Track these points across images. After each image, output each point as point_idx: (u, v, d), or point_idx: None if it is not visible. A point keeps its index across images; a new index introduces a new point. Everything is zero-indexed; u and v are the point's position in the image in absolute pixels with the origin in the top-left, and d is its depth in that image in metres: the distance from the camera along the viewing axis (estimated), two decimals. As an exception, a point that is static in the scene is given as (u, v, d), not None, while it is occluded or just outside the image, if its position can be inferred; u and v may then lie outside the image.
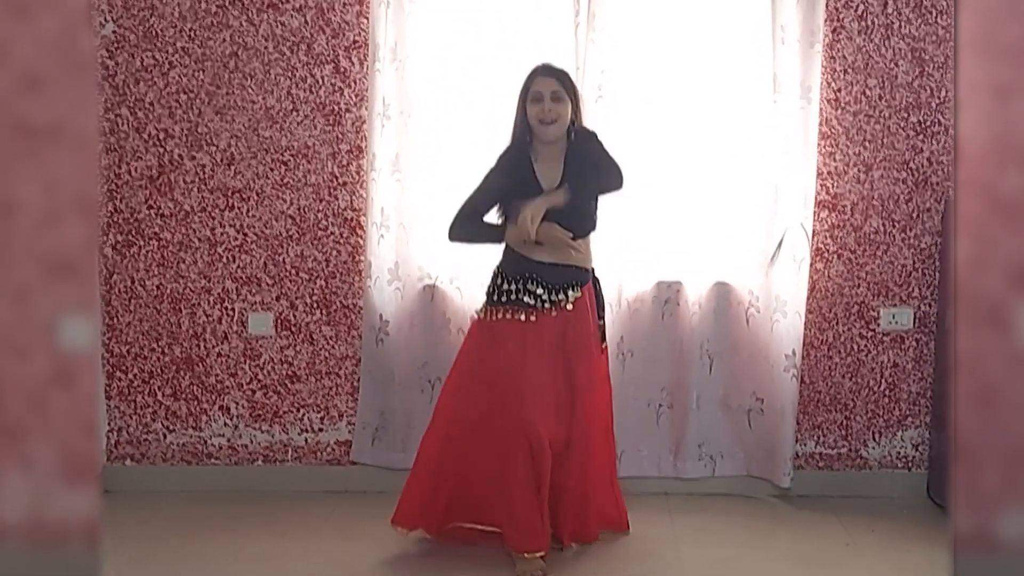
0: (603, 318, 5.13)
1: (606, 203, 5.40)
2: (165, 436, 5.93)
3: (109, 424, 5.91)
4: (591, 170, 4.96)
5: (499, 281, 4.94)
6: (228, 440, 5.93)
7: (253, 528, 5.38)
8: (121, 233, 5.80)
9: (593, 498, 5.11)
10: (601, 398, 5.11)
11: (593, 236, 5.23)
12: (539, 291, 4.85)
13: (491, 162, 5.00)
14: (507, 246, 4.96)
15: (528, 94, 4.90)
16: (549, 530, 4.88)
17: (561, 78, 4.92)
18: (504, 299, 4.89)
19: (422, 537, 5.12)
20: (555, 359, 4.88)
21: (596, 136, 5.05)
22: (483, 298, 5.01)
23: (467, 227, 5.00)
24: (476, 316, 5.03)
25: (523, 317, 4.84)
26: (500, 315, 4.89)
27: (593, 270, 5.06)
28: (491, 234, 4.98)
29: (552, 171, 4.93)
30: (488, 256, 5.07)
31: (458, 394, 4.97)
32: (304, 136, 5.75)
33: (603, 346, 5.15)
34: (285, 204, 5.78)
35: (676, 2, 5.67)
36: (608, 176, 5.03)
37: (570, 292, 4.90)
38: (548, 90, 4.87)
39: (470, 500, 4.96)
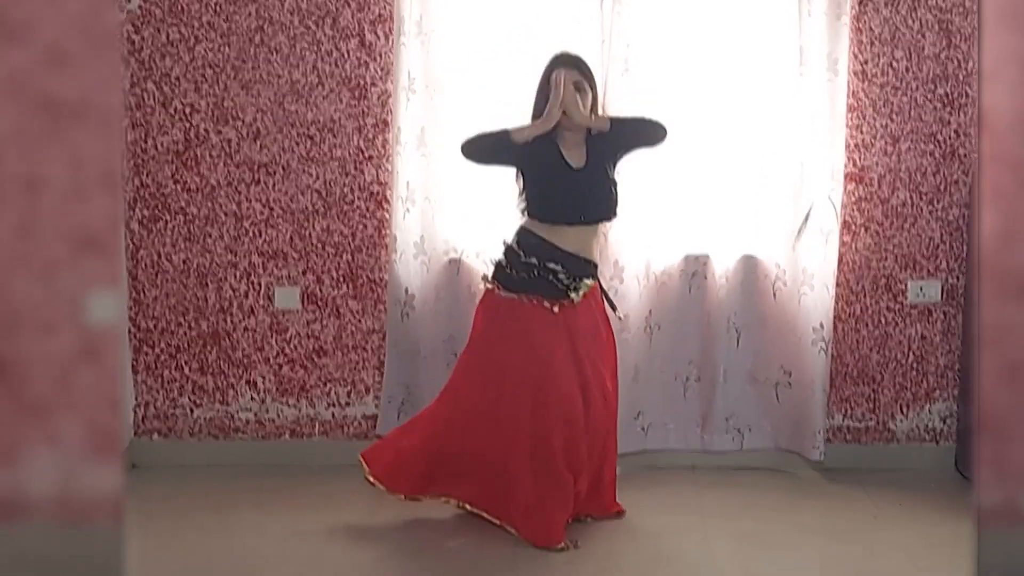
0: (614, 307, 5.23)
1: (636, 176, 5.39)
2: (192, 411, 5.95)
3: (136, 399, 5.94)
4: (620, 124, 5.04)
5: (520, 256, 4.91)
6: (255, 414, 5.95)
7: (280, 502, 5.40)
8: (147, 208, 5.81)
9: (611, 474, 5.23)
10: (612, 372, 5.16)
11: (619, 211, 5.23)
12: (560, 276, 4.86)
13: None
14: (527, 231, 4.96)
15: (551, 84, 4.91)
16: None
17: (582, 68, 4.95)
18: (525, 275, 4.88)
19: (445, 504, 5.10)
20: (571, 346, 4.90)
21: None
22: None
23: (482, 145, 5.00)
24: (487, 287, 5.01)
25: (547, 304, 4.86)
26: (520, 297, 4.90)
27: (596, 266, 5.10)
28: (500, 139, 4.95)
29: (577, 155, 4.96)
30: (511, 230, 5.07)
31: (472, 372, 5.00)
32: (330, 110, 5.75)
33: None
34: (311, 178, 5.78)
35: (702, -26, 5.64)
36: (643, 124, 5.06)
37: (586, 281, 4.93)
38: (571, 81, 4.89)
39: (464, 479, 4.98)
